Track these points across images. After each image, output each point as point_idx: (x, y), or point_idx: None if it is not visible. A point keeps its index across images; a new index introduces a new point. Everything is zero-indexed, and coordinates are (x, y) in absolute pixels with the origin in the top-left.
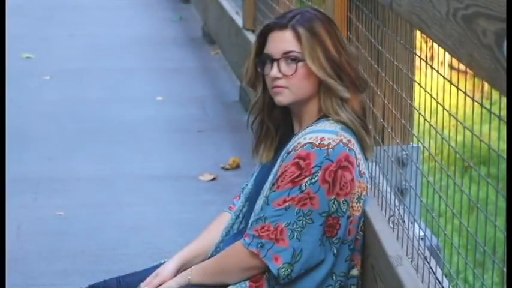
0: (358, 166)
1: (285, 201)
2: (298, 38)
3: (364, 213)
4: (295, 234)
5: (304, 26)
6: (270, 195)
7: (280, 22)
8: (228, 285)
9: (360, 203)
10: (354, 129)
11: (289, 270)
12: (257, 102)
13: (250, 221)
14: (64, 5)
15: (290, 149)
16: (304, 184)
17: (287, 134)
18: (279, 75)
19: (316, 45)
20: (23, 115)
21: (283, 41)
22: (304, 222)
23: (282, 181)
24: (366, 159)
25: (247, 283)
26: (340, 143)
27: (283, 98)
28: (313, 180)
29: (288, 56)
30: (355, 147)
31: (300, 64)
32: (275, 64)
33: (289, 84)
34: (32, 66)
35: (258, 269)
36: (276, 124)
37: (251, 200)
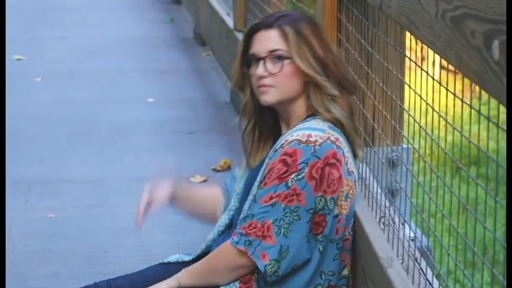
0: (347, 164)
1: (271, 198)
2: (285, 36)
3: (354, 214)
4: (282, 230)
5: (291, 25)
6: (257, 193)
7: (266, 22)
8: (219, 287)
9: (347, 201)
10: (345, 126)
11: (275, 267)
12: (247, 104)
13: (238, 220)
14: (55, 6)
15: (277, 147)
16: (290, 180)
17: (278, 136)
18: (265, 73)
19: (302, 44)
20: (14, 117)
21: (269, 40)
22: (291, 219)
23: (269, 178)
24: (356, 156)
25: (237, 284)
26: (328, 141)
27: (269, 97)
28: (299, 177)
29: (273, 55)
30: (343, 145)
31: (286, 62)
32: (261, 63)
33: (275, 82)
34: (23, 68)
35: (247, 268)
36: (270, 126)
37: (241, 203)
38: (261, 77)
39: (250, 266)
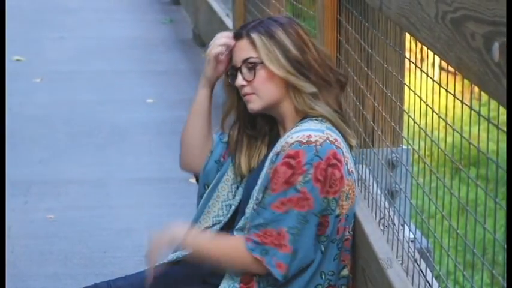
0: (347, 164)
1: (282, 203)
2: (253, 43)
3: (354, 215)
4: (295, 237)
5: (259, 31)
6: (265, 199)
7: (239, 32)
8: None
9: (347, 201)
10: (332, 121)
11: (287, 271)
12: (231, 111)
13: (245, 225)
14: (55, 7)
15: (278, 150)
16: (298, 183)
17: (276, 139)
18: (244, 82)
19: (273, 47)
20: (14, 118)
21: (241, 50)
22: (302, 225)
23: (275, 183)
24: (351, 147)
25: (237, 285)
26: (327, 141)
27: (253, 104)
28: (306, 179)
29: (247, 63)
30: (342, 145)
31: (258, 67)
32: (239, 73)
33: (254, 89)
34: (23, 68)
35: (257, 272)
36: (262, 132)
37: (243, 205)
38: (242, 86)
39: (262, 272)
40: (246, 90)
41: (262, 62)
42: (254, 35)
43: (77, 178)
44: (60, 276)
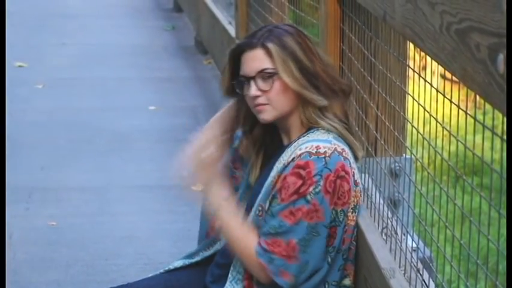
0: (353, 176)
1: (291, 213)
2: (269, 53)
3: (357, 225)
4: (305, 248)
5: (273, 41)
6: (273, 208)
7: (250, 42)
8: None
9: (355, 212)
10: (338, 133)
11: (294, 281)
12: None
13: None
14: (56, 13)
15: (286, 161)
16: (309, 194)
17: (272, 147)
18: (258, 93)
19: (287, 58)
20: (15, 124)
21: (255, 60)
22: (311, 236)
23: (285, 193)
24: (357, 159)
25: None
26: (335, 152)
27: (266, 115)
28: (317, 190)
29: (263, 73)
30: (349, 156)
31: (275, 78)
32: (252, 83)
33: (269, 100)
34: (25, 74)
35: (259, 277)
36: (260, 141)
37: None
38: (255, 97)
39: (262, 277)
40: (260, 100)
41: (278, 73)
42: (270, 45)
43: (78, 185)
44: (61, 283)
